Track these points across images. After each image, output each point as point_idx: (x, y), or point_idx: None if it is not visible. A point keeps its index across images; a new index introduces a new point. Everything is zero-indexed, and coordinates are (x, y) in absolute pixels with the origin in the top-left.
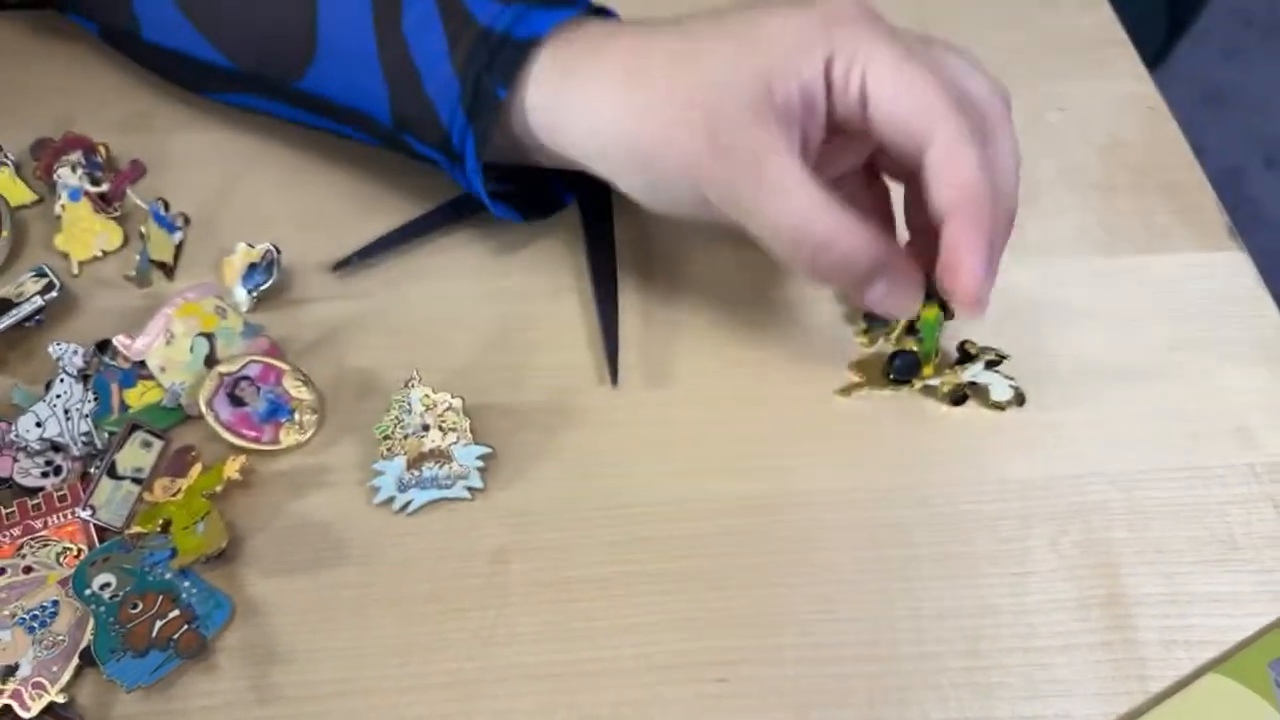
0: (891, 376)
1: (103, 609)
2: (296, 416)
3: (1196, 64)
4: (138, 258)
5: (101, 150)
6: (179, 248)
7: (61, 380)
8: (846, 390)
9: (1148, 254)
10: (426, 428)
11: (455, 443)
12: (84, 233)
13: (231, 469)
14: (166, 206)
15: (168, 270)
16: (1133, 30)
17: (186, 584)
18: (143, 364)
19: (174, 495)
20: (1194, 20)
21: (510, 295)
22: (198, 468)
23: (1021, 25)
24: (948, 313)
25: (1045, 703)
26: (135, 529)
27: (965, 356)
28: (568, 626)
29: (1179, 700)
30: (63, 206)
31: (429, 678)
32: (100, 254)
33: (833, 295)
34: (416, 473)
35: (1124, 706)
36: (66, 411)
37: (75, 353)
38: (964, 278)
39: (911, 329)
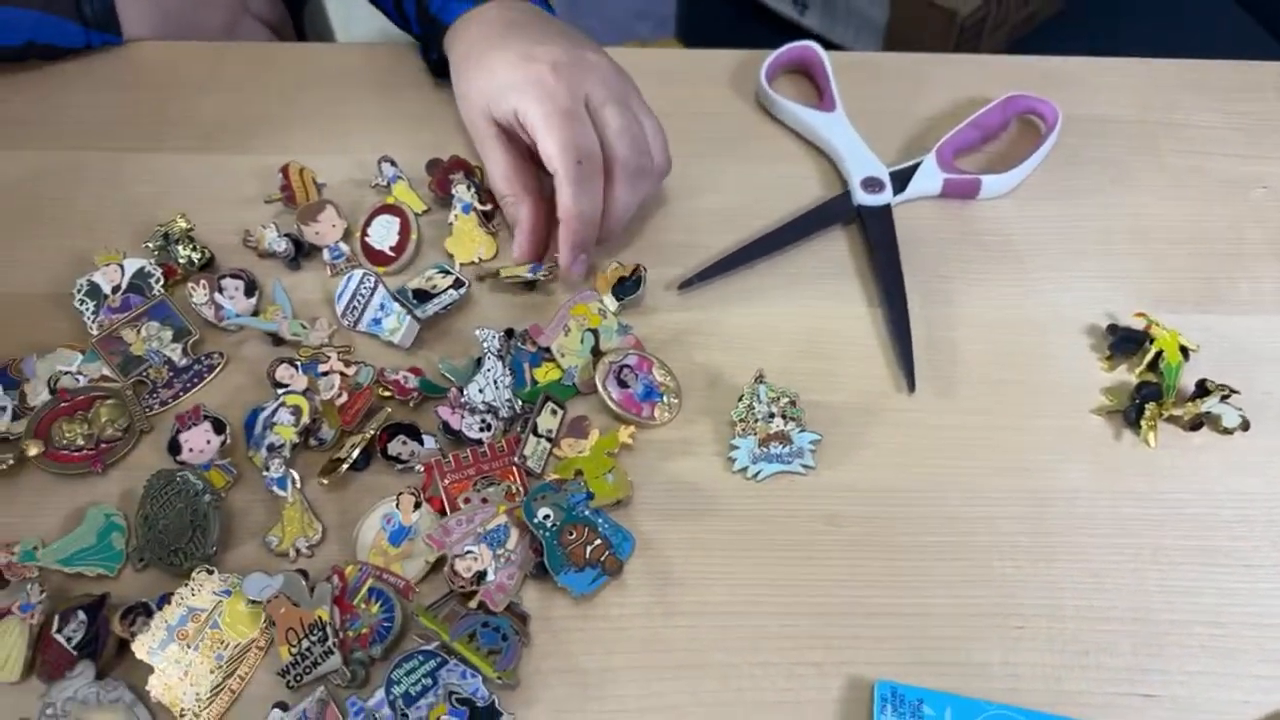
0: (1139, 401)
1: (548, 534)
2: (665, 399)
3: None
4: (528, 274)
5: (477, 173)
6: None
7: (488, 358)
8: (1101, 410)
9: None
10: (772, 415)
11: (793, 429)
12: (469, 240)
13: (625, 435)
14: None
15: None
16: None
17: (601, 520)
18: (546, 349)
19: (579, 452)
20: None
21: (816, 315)
22: (596, 432)
23: (1228, 110)
24: (1186, 356)
25: (1276, 666)
26: (555, 475)
27: (1202, 391)
28: (894, 579)
29: None
30: (456, 216)
31: (795, 607)
32: (477, 260)
33: (1083, 332)
34: (765, 449)
35: None
36: (495, 382)
37: (494, 337)
38: (559, 260)
39: (1154, 365)
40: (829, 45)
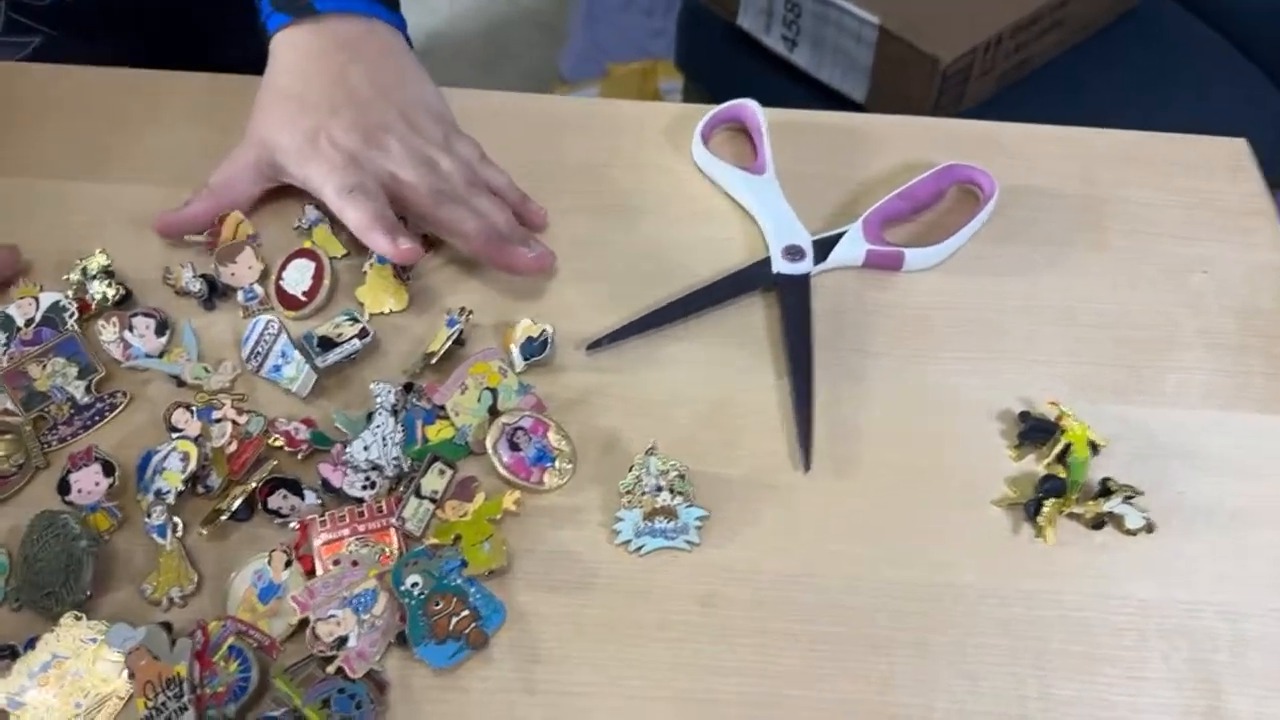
0: (1040, 495)
1: (413, 602)
2: (557, 464)
3: None
4: (449, 327)
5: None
6: (459, 337)
7: (380, 414)
8: (1002, 502)
9: (1269, 413)
10: (659, 489)
11: (680, 504)
12: (381, 291)
13: (509, 501)
14: (463, 311)
15: (430, 356)
16: (1267, 154)
17: (473, 590)
18: (441, 407)
19: (462, 516)
20: None
21: (723, 384)
22: (481, 496)
23: (1179, 190)
24: (1095, 451)
25: None
26: (433, 540)
27: (1105, 490)
28: (763, 668)
29: None
30: (370, 265)
31: (657, 693)
32: (387, 311)
33: (995, 417)
34: (650, 523)
35: None
36: (384, 439)
37: (390, 392)
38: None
39: (1063, 457)
40: (816, 84)
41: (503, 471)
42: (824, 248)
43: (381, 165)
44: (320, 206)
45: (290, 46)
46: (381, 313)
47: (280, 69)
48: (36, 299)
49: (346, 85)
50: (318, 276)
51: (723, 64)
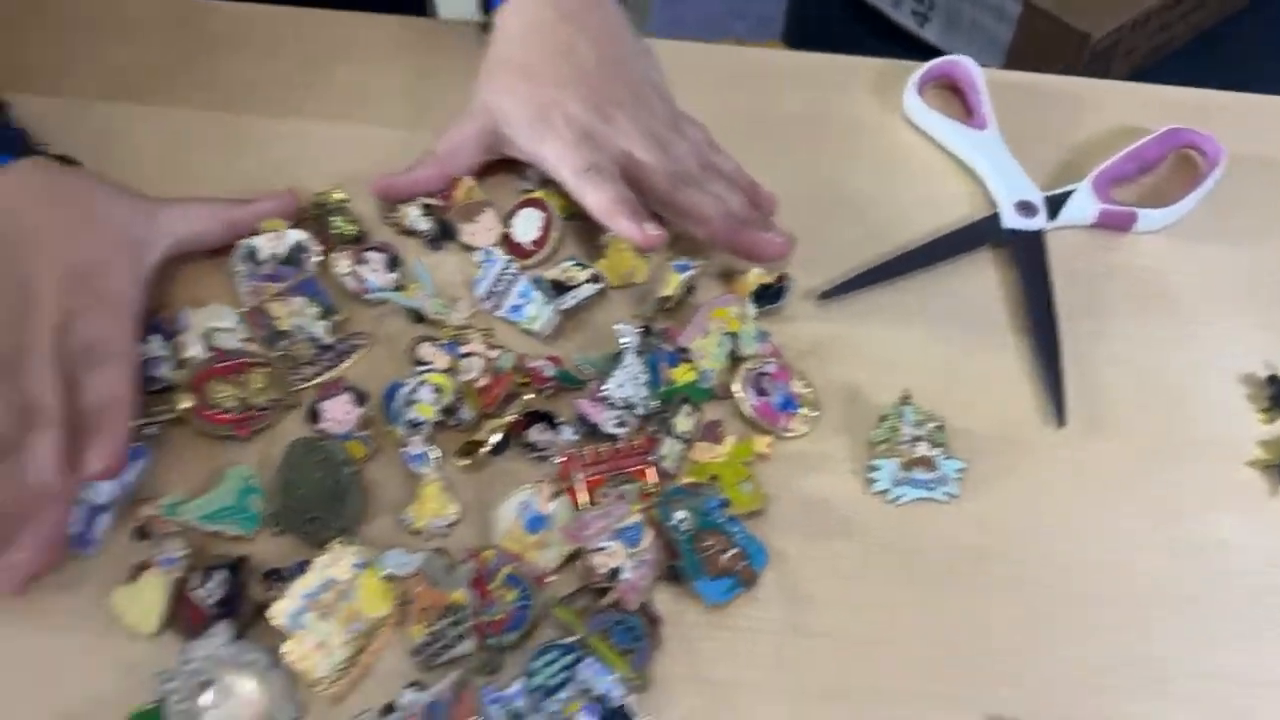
0: None
1: (683, 537)
2: (803, 411)
3: None
4: (679, 274)
5: None
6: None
7: (628, 354)
8: (1257, 463)
9: None
10: (917, 439)
11: (939, 455)
12: (620, 264)
13: (761, 445)
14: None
15: (664, 301)
16: None
17: (736, 529)
18: (684, 349)
19: (714, 458)
20: None
21: (957, 339)
22: (731, 439)
23: None
24: None
25: None
26: (688, 479)
27: None
28: (1031, 626)
29: None
30: (610, 238)
31: (925, 647)
32: (624, 285)
33: (1239, 380)
34: (908, 474)
35: None
36: (635, 379)
37: (635, 334)
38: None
39: None
40: None
41: (750, 414)
42: (1054, 205)
43: (615, 143)
44: None
45: (515, 16)
46: (623, 286)
47: (506, 39)
48: (283, 234)
49: (574, 59)
50: (546, 227)
51: (839, 41)
